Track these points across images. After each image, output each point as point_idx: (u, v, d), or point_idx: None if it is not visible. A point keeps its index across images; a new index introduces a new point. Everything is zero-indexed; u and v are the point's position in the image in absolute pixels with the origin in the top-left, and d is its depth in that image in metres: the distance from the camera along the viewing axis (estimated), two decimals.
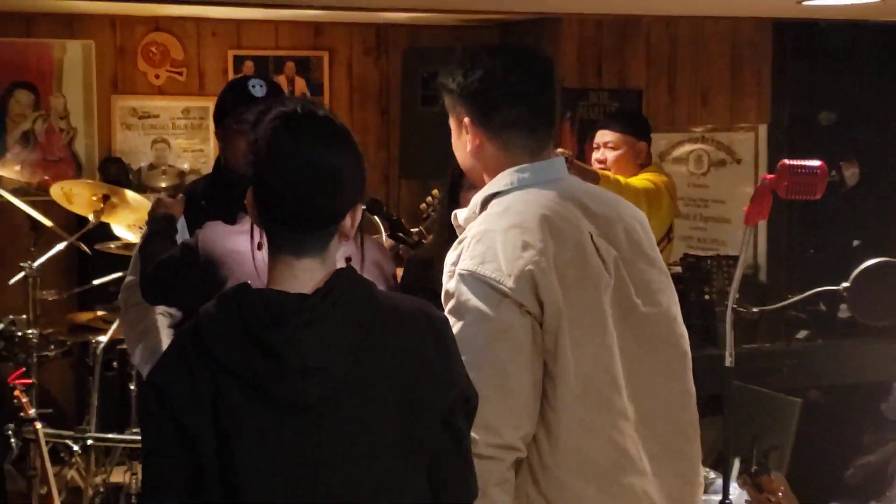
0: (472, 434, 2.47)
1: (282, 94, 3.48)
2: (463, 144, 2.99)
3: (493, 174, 2.93)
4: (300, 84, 7.72)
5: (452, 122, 3.03)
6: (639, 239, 3.00)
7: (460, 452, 2.42)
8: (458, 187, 3.71)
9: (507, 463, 2.73)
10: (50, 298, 6.26)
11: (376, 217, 4.31)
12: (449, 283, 2.82)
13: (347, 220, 2.31)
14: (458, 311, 2.77)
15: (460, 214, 3.04)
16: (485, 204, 2.91)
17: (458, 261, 2.80)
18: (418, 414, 2.33)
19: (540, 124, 2.93)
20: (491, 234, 2.80)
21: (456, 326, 2.72)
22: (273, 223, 2.30)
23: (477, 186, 3.06)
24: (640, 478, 2.91)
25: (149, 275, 3.62)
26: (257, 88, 3.85)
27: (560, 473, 2.83)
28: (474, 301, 2.74)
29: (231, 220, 3.46)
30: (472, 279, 2.75)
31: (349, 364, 2.26)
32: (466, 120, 2.95)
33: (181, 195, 3.87)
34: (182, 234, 3.90)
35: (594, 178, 4.80)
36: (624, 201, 3.14)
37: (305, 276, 2.28)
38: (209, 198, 3.94)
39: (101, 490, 6.00)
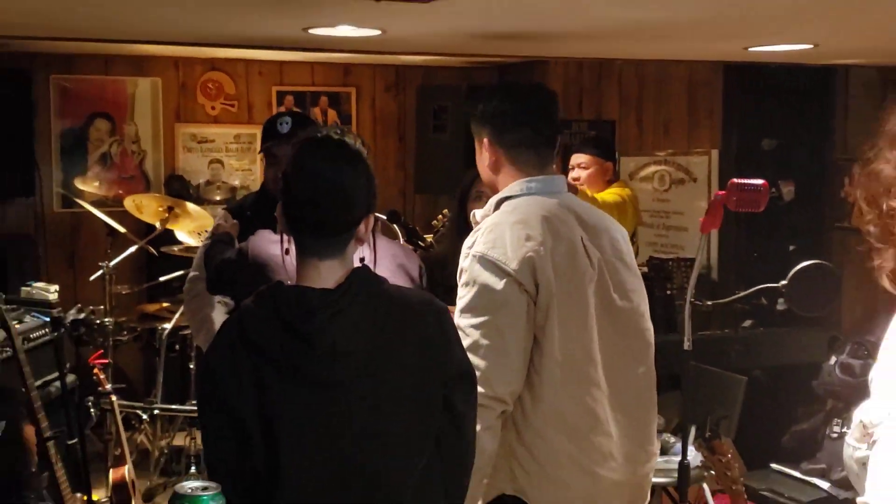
0: None
1: (309, 127, 3.50)
2: (483, 159, 3.07)
3: (506, 183, 3.01)
4: (332, 115, 7.72)
5: (476, 142, 3.10)
6: (620, 248, 3.10)
7: (458, 426, 2.47)
8: (466, 199, 3.88)
9: (496, 413, 2.81)
10: (123, 292, 6.28)
11: (395, 225, 4.34)
12: (464, 262, 2.92)
13: (361, 227, 2.37)
14: (470, 283, 2.88)
15: (478, 213, 3.12)
16: (498, 205, 3.00)
17: (474, 245, 2.90)
18: (426, 386, 2.38)
19: (541, 144, 3.02)
20: (501, 227, 2.89)
21: (467, 296, 2.87)
22: (298, 231, 2.36)
23: (487, 196, 3.18)
24: (606, 439, 2.99)
25: (212, 272, 3.66)
26: (283, 126, 3.89)
27: (539, 427, 2.91)
28: (483, 276, 2.85)
29: (274, 228, 3.50)
30: (484, 260, 2.85)
31: (369, 347, 2.31)
32: (486, 140, 3.04)
33: (235, 221, 3.91)
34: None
35: (574, 192, 4.83)
36: (611, 218, 3.26)
37: (328, 274, 2.33)
38: (255, 210, 4.00)
39: (165, 451, 6.04)
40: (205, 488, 2.05)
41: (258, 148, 4.34)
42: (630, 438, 3.09)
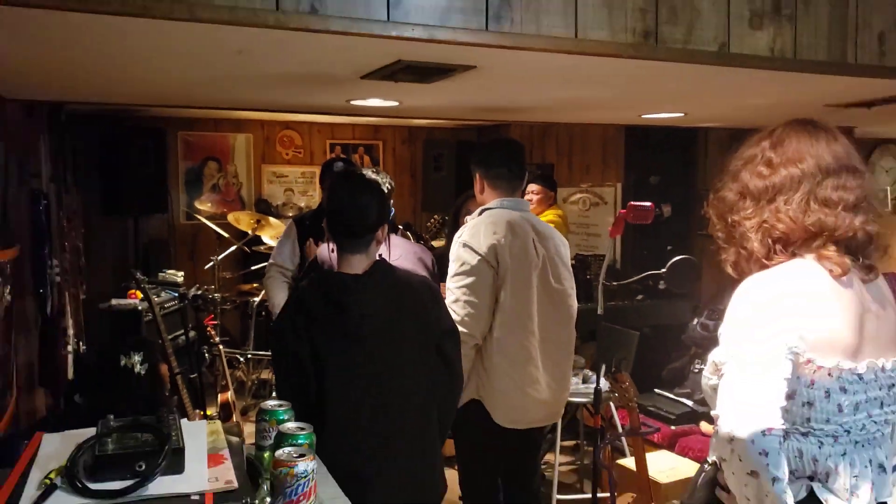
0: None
1: (352, 167, 3.61)
2: (476, 186, 3.23)
3: (488, 200, 3.15)
4: (367, 160, 7.72)
5: (473, 175, 3.23)
6: (559, 250, 3.21)
7: (450, 365, 2.51)
8: (458, 214, 3.94)
9: (470, 345, 2.95)
10: (227, 276, 6.27)
11: (408, 232, 4.36)
12: (454, 246, 3.05)
13: (379, 233, 2.39)
14: (456, 260, 3.01)
15: (468, 218, 3.23)
16: (481, 213, 3.13)
17: (461, 236, 3.04)
18: (425, 337, 2.42)
19: (513, 178, 3.16)
20: (478, 225, 3.03)
21: (454, 268, 3.01)
22: (336, 234, 2.39)
23: (471, 213, 3.28)
24: (535, 369, 3.10)
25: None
26: (338, 167, 3.85)
27: (493, 356, 3.03)
28: (465, 256, 2.98)
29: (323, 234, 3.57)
30: (466, 245, 2.99)
31: (385, 312, 2.35)
32: (477, 174, 3.20)
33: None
34: (293, 240, 4.00)
35: None
36: (557, 232, 3.34)
37: (357, 264, 2.39)
38: (312, 221, 3.96)
39: (255, 382, 6.03)
40: (280, 405, 2.06)
41: (318, 180, 4.35)
42: (551, 374, 3.17)
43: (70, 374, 4.60)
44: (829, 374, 1.64)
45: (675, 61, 2.54)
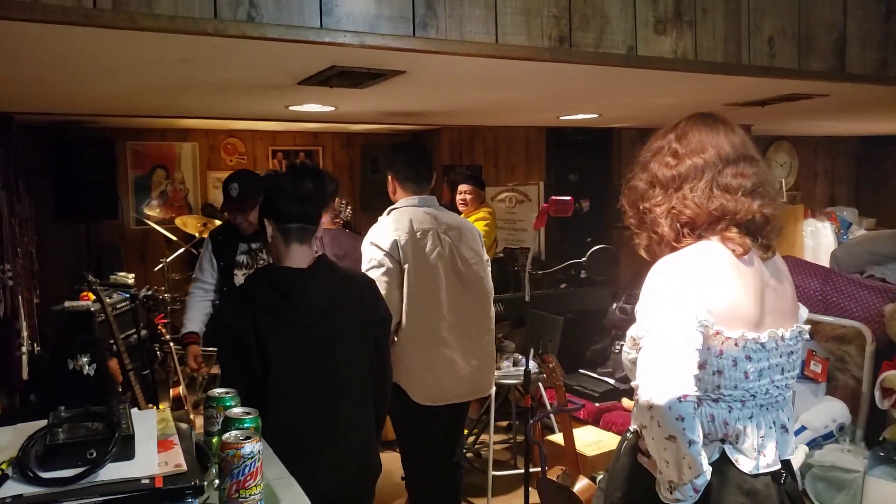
0: None
1: (253, 194, 3.42)
2: (389, 187, 3.27)
3: (398, 200, 3.22)
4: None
5: (387, 180, 3.29)
6: (466, 238, 3.25)
7: (382, 354, 2.52)
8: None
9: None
10: (176, 277, 6.14)
11: (347, 230, 4.32)
12: (363, 244, 3.12)
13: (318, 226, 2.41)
14: (365, 257, 3.07)
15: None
16: (389, 212, 3.19)
17: (369, 234, 3.11)
18: (363, 326, 2.40)
19: (421, 178, 3.23)
20: (382, 224, 3.13)
21: (366, 266, 3.04)
22: (283, 222, 2.35)
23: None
24: (449, 350, 3.16)
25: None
26: (233, 191, 3.61)
27: (403, 342, 3.07)
28: (371, 253, 3.04)
29: (233, 247, 3.64)
30: (372, 244, 3.05)
31: (327, 303, 2.31)
32: (389, 176, 3.24)
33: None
34: (210, 253, 3.76)
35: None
36: (467, 221, 3.44)
37: (301, 257, 2.36)
38: (226, 235, 3.78)
39: (206, 377, 5.90)
40: (227, 392, 2.02)
41: None
42: (471, 352, 3.23)
43: (25, 375, 4.45)
44: (736, 344, 1.67)
45: (587, 63, 2.57)
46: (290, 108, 3.81)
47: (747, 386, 1.70)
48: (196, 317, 3.77)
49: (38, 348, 4.92)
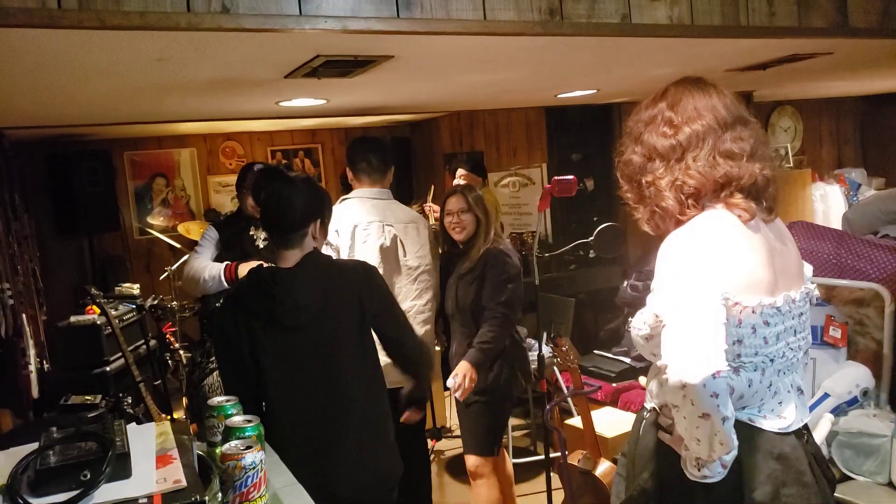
0: None
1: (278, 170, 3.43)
2: (350, 180, 3.41)
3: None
4: (308, 163, 7.58)
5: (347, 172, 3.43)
6: (411, 231, 3.34)
7: (395, 337, 2.42)
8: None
9: None
10: (181, 285, 6.11)
11: None
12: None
13: (313, 228, 2.28)
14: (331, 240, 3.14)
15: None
16: (340, 202, 3.28)
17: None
18: (363, 318, 2.29)
19: (373, 170, 3.33)
20: (340, 211, 3.16)
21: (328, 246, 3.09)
22: (267, 231, 2.31)
23: None
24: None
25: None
26: (257, 166, 3.56)
27: None
28: (331, 237, 3.13)
29: (241, 234, 3.47)
30: (333, 229, 3.02)
31: (319, 300, 2.22)
32: (348, 169, 3.41)
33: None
34: (211, 241, 3.53)
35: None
36: (413, 213, 3.50)
37: (290, 259, 2.28)
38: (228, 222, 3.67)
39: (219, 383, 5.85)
40: (227, 400, 1.94)
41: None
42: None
43: (35, 394, 4.40)
44: (753, 312, 1.64)
45: (580, 35, 2.46)
46: (281, 103, 3.72)
47: (766, 351, 1.68)
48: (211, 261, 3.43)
49: (48, 366, 4.87)
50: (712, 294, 1.59)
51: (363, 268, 2.38)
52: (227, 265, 3.23)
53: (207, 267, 3.28)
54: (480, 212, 3.32)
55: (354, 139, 3.53)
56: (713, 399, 1.52)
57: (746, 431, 1.65)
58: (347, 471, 2.23)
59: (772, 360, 1.68)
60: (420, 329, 3.29)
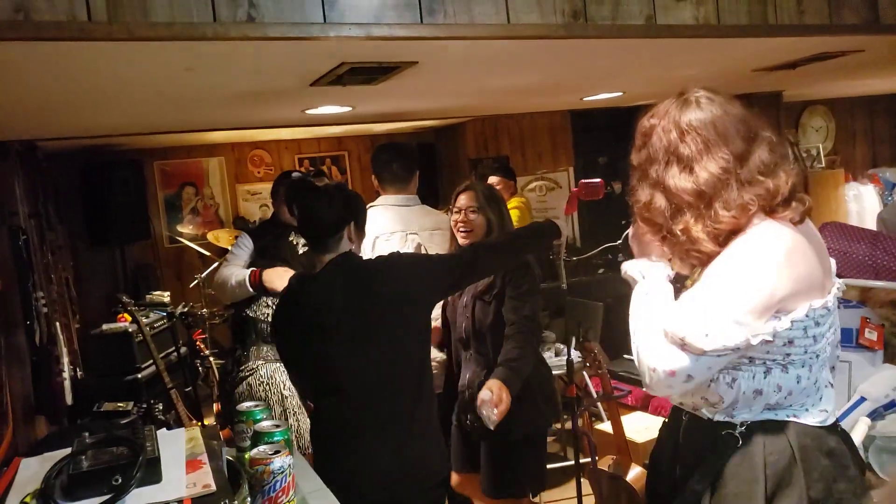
0: None
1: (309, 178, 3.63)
2: (376, 188, 3.46)
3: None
4: (334, 170, 7.63)
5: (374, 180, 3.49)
6: (437, 239, 3.31)
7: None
8: None
9: None
10: (211, 292, 6.15)
11: None
12: None
13: (348, 231, 2.33)
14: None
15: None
16: (372, 207, 3.30)
17: None
18: (404, 311, 2.29)
19: (397, 178, 3.37)
20: (371, 215, 3.11)
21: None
22: (304, 238, 2.39)
23: None
24: None
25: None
26: (295, 175, 3.64)
27: None
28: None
29: (276, 242, 3.50)
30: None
31: (348, 301, 2.27)
32: (374, 177, 3.46)
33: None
34: (245, 248, 3.55)
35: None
36: (441, 218, 3.43)
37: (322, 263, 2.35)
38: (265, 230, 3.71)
39: None
40: (256, 405, 1.96)
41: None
42: None
43: (69, 400, 4.47)
44: (807, 316, 1.62)
45: (605, 38, 2.45)
46: (307, 111, 3.75)
47: (815, 349, 1.67)
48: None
49: (81, 373, 4.95)
50: (762, 301, 1.56)
51: (387, 258, 2.37)
52: (252, 271, 3.26)
53: (234, 274, 3.31)
54: (494, 213, 2.90)
55: (377, 147, 3.53)
56: (676, 377, 1.57)
57: (796, 429, 1.64)
58: (383, 474, 2.24)
59: (818, 357, 1.68)
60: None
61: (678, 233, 1.67)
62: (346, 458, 2.20)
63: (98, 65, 2.23)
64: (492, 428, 2.59)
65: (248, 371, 3.35)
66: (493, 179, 5.36)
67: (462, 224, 2.89)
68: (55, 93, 2.59)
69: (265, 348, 3.35)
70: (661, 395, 1.68)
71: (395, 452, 2.23)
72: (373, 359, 2.25)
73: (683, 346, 1.57)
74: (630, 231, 1.94)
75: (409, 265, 2.36)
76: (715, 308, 1.56)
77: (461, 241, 2.89)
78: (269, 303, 3.32)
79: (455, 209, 2.93)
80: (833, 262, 1.82)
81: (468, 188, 2.96)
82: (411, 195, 3.39)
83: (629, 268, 1.86)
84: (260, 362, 3.37)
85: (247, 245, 3.51)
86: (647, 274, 1.79)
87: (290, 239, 3.50)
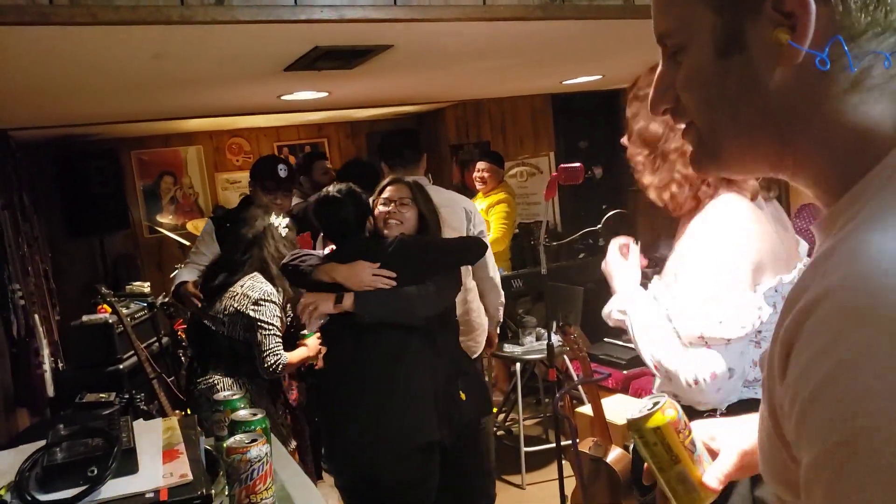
0: None
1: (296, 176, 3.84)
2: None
3: None
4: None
5: (380, 168, 3.50)
6: (449, 217, 3.14)
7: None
8: None
9: None
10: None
11: None
12: None
13: (367, 226, 2.73)
14: None
15: None
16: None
17: None
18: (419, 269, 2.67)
19: (406, 162, 3.40)
20: None
21: None
22: (330, 239, 2.80)
23: None
24: None
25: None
26: (282, 172, 3.62)
27: None
28: None
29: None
30: None
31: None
32: (382, 164, 3.48)
33: None
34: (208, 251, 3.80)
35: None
36: (456, 199, 3.40)
37: None
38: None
39: None
40: (233, 395, 1.94)
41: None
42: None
43: (51, 392, 4.42)
44: (776, 290, 1.63)
45: (582, 19, 2.43)
46: (283, 97, 3.70)
47: None
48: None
49: (62, 365, 4.89)
50: (744, 277, 1.59)
51: (396, 242, 2.65)
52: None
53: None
54: (427, 209, 2.79)
55: (383, 136, 3.63)
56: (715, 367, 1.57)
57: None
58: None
59: None
60: (474, 304, 3.41)
61: (672, 150, 1.72)
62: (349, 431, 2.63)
63: (62, 51, 2.17)
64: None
65: (205, 384, 3.12)
66: (481, 165, 5.33)
67: (392, 215, 2.71)
68: (19, 80, 2.53)
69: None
70: (718, 404, 1.63)
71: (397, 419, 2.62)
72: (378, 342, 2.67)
73: (706, 343, 1.59)
74: (603, 264, 1.98)
75: (418, 242, 2.74)
76: (711, 295, 1.59)
77: (387, 232, 2.71)
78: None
79: (382, 200, 2.75)
80: (803, 244, 1.83)
81: (395, 181, 2.82)
82: (421, 178, 3.37)
83: (611, 313, 1.89)
84: (218, 376, 3.07)
85: (208, 251, 3.60)
86: (628, 308, 1.79)
87: (271, 221, 3.42)
